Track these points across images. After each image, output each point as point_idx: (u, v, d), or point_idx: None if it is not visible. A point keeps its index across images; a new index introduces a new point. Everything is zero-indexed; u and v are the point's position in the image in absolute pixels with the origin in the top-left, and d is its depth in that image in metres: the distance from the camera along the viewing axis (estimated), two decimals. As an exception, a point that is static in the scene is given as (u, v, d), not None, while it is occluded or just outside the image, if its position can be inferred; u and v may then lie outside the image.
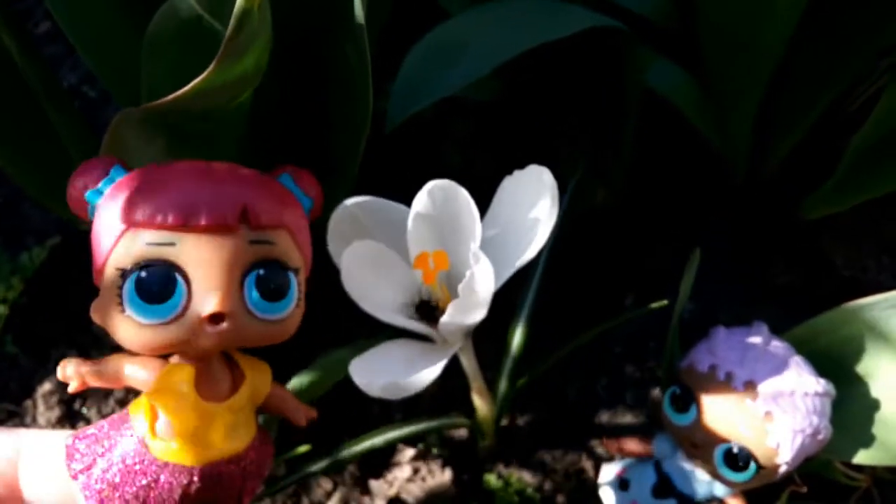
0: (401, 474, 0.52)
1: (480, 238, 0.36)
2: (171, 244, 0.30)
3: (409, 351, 0.39)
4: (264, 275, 0.31)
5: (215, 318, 0.30)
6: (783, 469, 0.42)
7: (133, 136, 0.35)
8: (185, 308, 0.30)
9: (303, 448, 0.48)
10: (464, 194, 0.36)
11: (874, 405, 0.46)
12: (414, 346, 0.39)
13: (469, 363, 0.45)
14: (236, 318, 0.31)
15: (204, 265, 0.30)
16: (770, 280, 0.59)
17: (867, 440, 0.45)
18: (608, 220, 0.59)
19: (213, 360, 0.34)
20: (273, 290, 0.32)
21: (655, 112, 0.57)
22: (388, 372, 0.35)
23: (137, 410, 0.33)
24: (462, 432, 0.54)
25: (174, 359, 0.33)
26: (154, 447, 0.32)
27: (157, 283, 0.30)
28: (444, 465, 0.53)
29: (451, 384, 0.52)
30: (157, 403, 0.32)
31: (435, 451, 0.53)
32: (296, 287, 0.33)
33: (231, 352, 0.35)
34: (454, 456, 0.54)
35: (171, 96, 0.29)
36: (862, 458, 0.45)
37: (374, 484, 0.52)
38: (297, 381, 0.48)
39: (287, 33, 0.37)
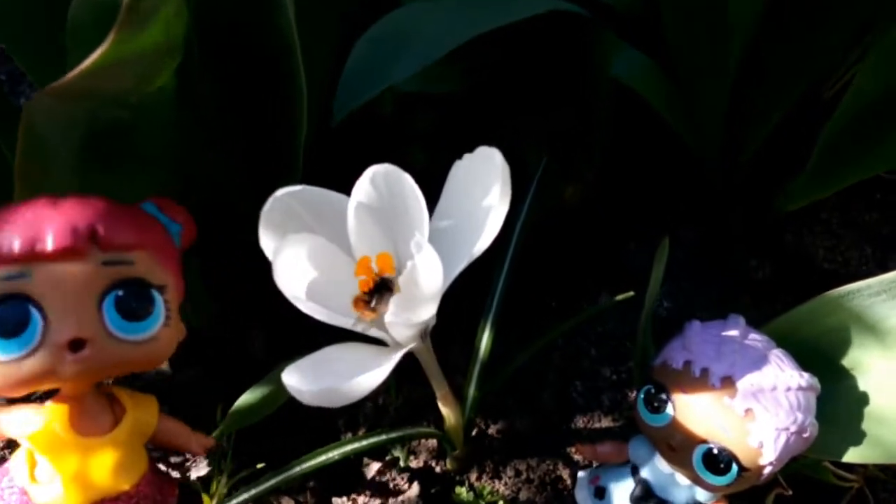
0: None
1: (428, 227, 0.33)
2: (23, 276, 0.30)
3: (354, 355, 0.35)
4: (123, 295, 0.32)
5: (75, 345, 0.31)
6: (768, 470, 0.39)
7: (48, 129, 0.32)
8: (43, 338, 0.30)
9: (241, 474, 0.46)
10: (408, 180, 0.33)
11: (863, 399, 0.44)
12: (362, 350, 0.36)
13: (429, 367, 0.42)
14: (97, 341, 0.31)
15: (58, 292, 0.30)
16: (749, 275, 0.57)
17: (857, 437, 0.43)
18: (580, 216, 0.57)
19: (88, 396, 0.34)
20: (134, 310, 0.32)
21: (627, 106, 0.55)
22: (325, 377, 0.32)
23: (17, 460, 0.33)
24: (432, 443, 0.51)
25: (47, 403, 0.33)
26: (35, 494, 0.32)
27: (12, 316, 0.30)
28: (411, 479, 0.50)
29: (420, 392, 0.49)
30: (34, 447, 0.33)
31: (402, 464, 0.50)
32: (162, 305, 0.33)
33: (111, 388, 0.35)
34: (422, 468, 0.50)
35: (73, 71, 0.27)
36: (853, 456, 0.42)
37: (338, 502, 0.49)
38: (250, 395, 0.45)
39: (214, 16, 0.34)
